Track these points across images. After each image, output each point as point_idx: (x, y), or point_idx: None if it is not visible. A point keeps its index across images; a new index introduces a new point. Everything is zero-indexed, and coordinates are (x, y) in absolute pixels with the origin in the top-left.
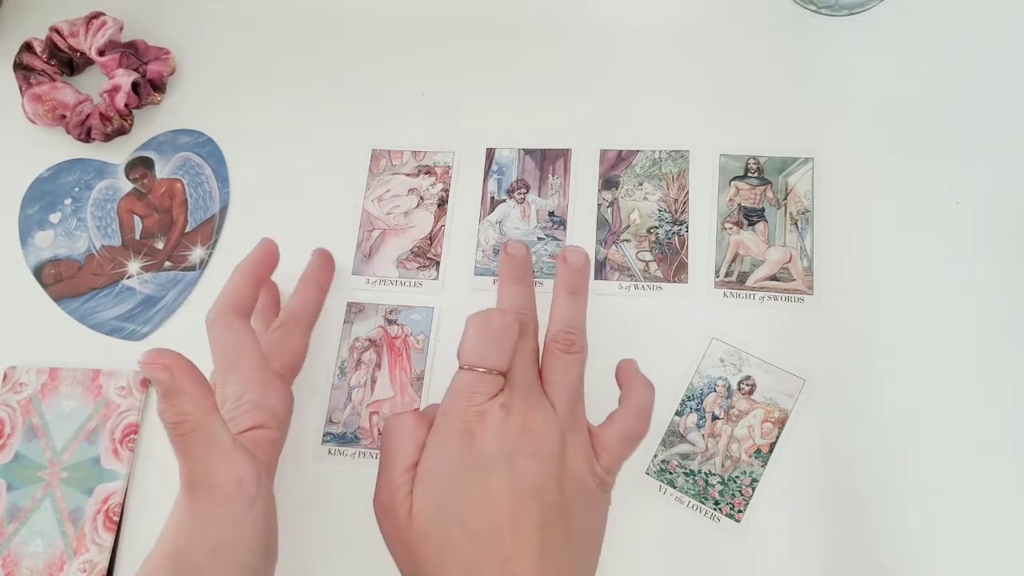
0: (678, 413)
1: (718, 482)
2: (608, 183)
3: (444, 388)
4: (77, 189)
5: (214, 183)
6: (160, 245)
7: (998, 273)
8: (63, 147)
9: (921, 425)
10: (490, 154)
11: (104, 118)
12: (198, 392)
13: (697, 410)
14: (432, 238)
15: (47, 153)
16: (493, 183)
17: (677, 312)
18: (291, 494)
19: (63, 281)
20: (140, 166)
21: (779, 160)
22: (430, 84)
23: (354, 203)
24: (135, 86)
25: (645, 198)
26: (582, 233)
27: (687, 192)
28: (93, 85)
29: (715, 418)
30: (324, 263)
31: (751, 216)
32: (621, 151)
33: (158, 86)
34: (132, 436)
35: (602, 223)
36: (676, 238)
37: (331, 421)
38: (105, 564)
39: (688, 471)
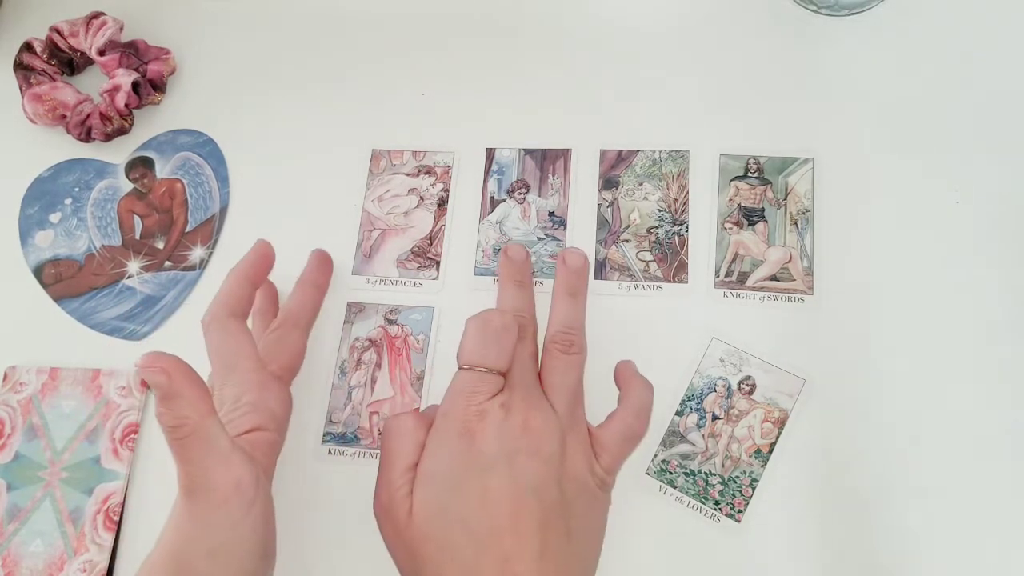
0: (678, 413)
1: (718, 482)
2: (608, 183)
3: (444, 388)
4: (77, 189)
5: (214, 183)
6: (160, 245)
7: (998, 273)
8: (63, 147)
9: (921, 425)
10: (490, 154)
11: (104, 118)
12: (196, 395)
13: (697, 410)
14: (432, 238)
15: (47, 153)
16: (493, 183)
17: (677, 312)
18: (291, 494)
19: (63, 281)
20: (140, 166)
21: (779, 160)
22: (430, 84)
23: (354, 203)
24: (135, 86)
25: (645, 198)
26: (582, 233)
27: (687, 192)
28: (93, 85)
29: (715, 418)
30: (322, 264)
31: (751, 216)
32: (621, 151)
33: (158, 86)
34: (132, 436)
35: (602, 223)
36: (676, 238)
37: (331, 421)
38: (105, 564)
39: (688, 471)
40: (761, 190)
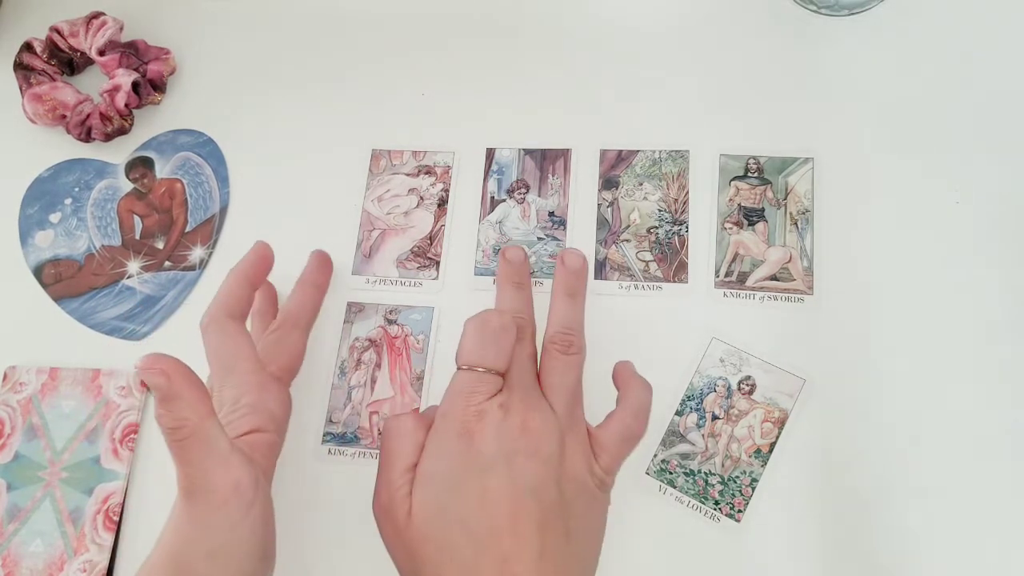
0: (678, 413)
1: (718, 482)
2: (608, 183)
3: (444, 388)
4: (77, 189)
5: (214, 183)
6: (160, 245)
7: (998, 273)
8: (63, 147)
9: (921, 425)
10: (490, 154)
11: (104, 118)
12: (195, 397)
13: (697, 410)
14: (432, 238)
15: (47, 153)
16: (493, 183)
17: (677, 312)
18: (291, 494)
19: (63, 281)
20: (140, 166)
21: (779, 160)
22: (430, 84)
23: (354, 203)
24: (135, 86)
25: (645, 198)
26: (582, 233)
27: (687, 192)
28: (93, 85)
29: (715, 418)
30: (322, 265)
31: (751, 216)
32: (621, 151)
33: (158, 86)
34: (132, 436)
35: (602, 223)
36: (676, 238)
37: (331, 421)
38: (105, 564)
39: (688, 471)
40: (761, 190)
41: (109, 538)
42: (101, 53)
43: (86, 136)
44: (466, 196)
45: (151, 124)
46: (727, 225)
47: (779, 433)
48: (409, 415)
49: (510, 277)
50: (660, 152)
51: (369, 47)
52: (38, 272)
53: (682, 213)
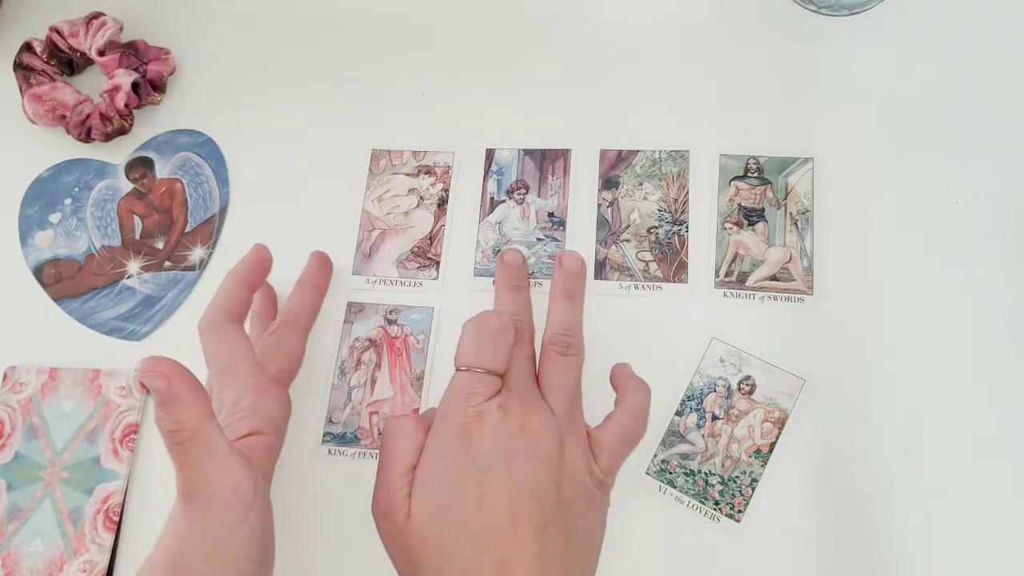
0: (678, 413)
1: (718, 482)
2: (608, 183)
3: (444, 388)
4: (77, 189)
5: (214, 183)
6: (160, 245)
7: (998, 273)
8: (63, 147)
9: (921, 425)
10: (490, 154)
11: (104, 118)
12: (195, 400)
13: (697, 410)
14: (432, 238)
15: (47, 153)
16: (493, 183)
17: (677, 312)
18: (291, 494)
19: (63, 281)
20: (140, 166)
21: (779, 160)
22: (430, 84)
23: (354, 203)
24: (135, 86)
25: (645, 198)
26: (582, 233)
27: (687, 192)
28: (93, 85)
29: (715, 418)
30: (321, 266)
31: (751, 216)
32: (621, 151)
33: (158, 86)
34: (132, 436)
35: (602, 223)
36: (676, 238)
37: (331, 421)
38: (105, 564)
39: (688, 471)
40: (761, 190)
41: (109, 538)
42: (101, 53)
43: (86, 136)
44: (466, 196)
45: (151, 124)
46: (727, 225)
47: (779, 433)
48: (408, 417)
49: (508, 280)
50: (660, 152)
51: (369, 47)
52: (38, 272)
53: (682, 213)
